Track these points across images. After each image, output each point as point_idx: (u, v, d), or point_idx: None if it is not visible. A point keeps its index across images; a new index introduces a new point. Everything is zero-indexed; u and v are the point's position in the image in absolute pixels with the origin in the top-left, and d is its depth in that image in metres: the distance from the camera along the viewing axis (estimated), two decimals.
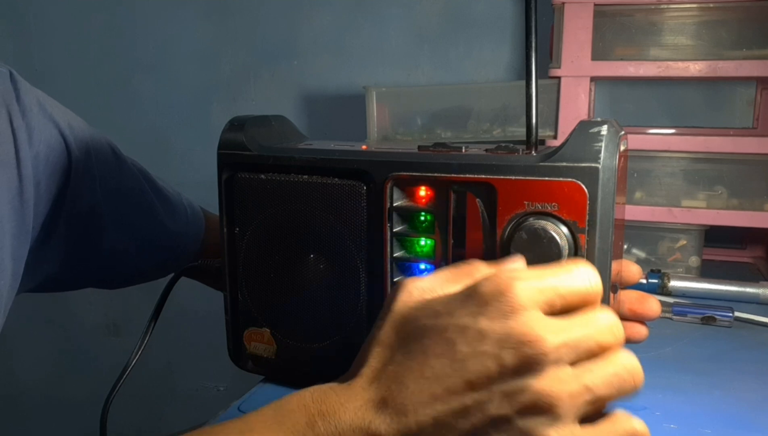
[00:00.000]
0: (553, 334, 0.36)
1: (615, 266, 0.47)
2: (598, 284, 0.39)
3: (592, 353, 0.37)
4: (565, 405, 0.35)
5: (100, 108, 1.53)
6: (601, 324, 0.38)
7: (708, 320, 0.75)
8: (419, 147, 0.51)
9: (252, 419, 0.40)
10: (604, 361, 0.38)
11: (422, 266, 0.51)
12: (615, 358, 0.38)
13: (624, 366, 0.37)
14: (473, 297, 0.38)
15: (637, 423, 0.37)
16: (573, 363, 0.37)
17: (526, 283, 0.37)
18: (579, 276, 0.39)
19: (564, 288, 0.38)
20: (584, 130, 0.45)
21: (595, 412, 0.37)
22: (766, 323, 0.76)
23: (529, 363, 0.36)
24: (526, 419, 0.36)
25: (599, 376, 0.37)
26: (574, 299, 0.38)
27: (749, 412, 0.55)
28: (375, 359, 0.40)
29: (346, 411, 0.38)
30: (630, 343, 0.55)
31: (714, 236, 1.00)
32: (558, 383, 0.36)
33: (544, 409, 0.35)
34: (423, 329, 0.39)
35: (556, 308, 0.38)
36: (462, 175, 0.47)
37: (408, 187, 0.50)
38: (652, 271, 0.87)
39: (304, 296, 0.55)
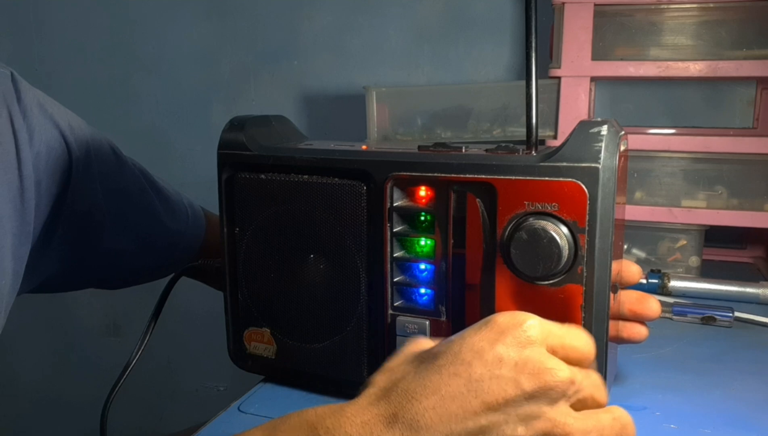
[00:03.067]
0: (566, 368, 0.38)
1: (615, 266, 0.47)
2: (593, 351, 0.41)
3: (587, 404, 0.40)
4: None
5: (100, 108, 1.53)
6: (594, 380, 0.40)
7: (708, 320, 0.75)
8: (419, 147, 0.51)
9: (250, 435, 0.39)
10: (603, 411, 0.40)
11: (422, 266, 0.51)
12: (612, 409, 0.40)
13: (621, 416, 0.40)
14: (489, 326, 0.40)
15: None
16: (575, 407, 0.39)
17: (539, 322, 0.39)
18: (581, 338, 0.41)
19: (568, 342, 0.40)
20: (584, 130, 0.45)
21: None
22: (766, 323, 0.76)
23: (546, 390, 0.37)
24: None
25: (604, 420, 0.39)
26: (572, 354, 0.40)
27: (749, 412, 0.55)
28: (384, 380, 0.40)
29: (353, 425, 0.37)
30: (630, 343, 0.55)
31: (714, 236, 1.00)
32: (570, 416, 0.38)
33: None
34: (437, 353, 0.40)
35: (557, 357, 0.40)
36: (462, 175, 0.47)
37: (408, 187, 0.50)
38: (652, 271, 0.87)
39: (304, 296, 0.55)
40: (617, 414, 0.40)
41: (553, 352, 0.39)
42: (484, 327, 0.40)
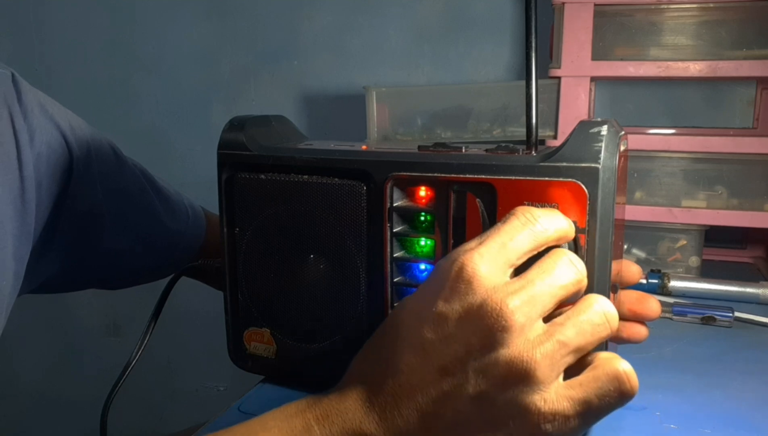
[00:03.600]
0: (512, 296, 0.35)
1: (615, 266, 0.47)
2: (548, 229, 0.39)
3: (559, 299, 0.37)
4: (541, 366, 0.35)
5: (100, 108, 1.53)
6: (559, 268, 0.37)
7: (708, 320, 0.75)
8: (419, 147, 0.51)
9: (252, 424, 0.41)
10: (573, 310, 0.37)
11: (422, 266, 0.51)
12: (585, 305, 0.37)
13: (596, 311, 0.37)
14: (432, 282, 0.38)
15: (622, 364, 0.36)
16: (545, 316, 0.36)
17: (476, 254, 0.37)
18: (521, 223, 0.38)
19: (512, 241, 0.37)
20: (584, 130, 0.45)
21: (577, 362, 0.37)
22: (766, 323, 0.76)
23: (494, 334, 0.35)
24: (506, 391, 0.35)
25: (570, 327, 0.36)
26: (525, 245, 0.38)
27: (749, 412, 0.55)
28: (360, 362, 0.41)
29: (338, 414, 0.39)
30: (630, 343, 0.55)
31: (714, 236, 1.00)
32: (529, 346, 0.35)
33: (521, 376, 0.35)
34: (398, 324, 0.40)
35: (517, 262, 0.37)
36: (462, 175, 0.47)
37: (408, 187, 0.50)
38: (652, 271, 0.87)
39: (304, 296, 0.55)
40: (587, 316, 0.36)
41: (509, 263, 0.37)
42: (428, 286, 0.38)
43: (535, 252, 0.39)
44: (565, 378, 0.36)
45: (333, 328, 0.54)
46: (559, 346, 0.35)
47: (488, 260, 0.37)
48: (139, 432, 1.66)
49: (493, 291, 0.36)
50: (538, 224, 0.39)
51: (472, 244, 0.38)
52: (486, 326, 0.35)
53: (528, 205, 0.45)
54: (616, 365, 0.36)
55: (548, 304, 0.36)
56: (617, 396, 0.35)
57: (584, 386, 0.35)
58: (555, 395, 0.35)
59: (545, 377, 0.35)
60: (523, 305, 0.35)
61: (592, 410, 0.35)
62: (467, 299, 0.36)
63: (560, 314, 0.37)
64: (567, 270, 0.38)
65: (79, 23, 1.53)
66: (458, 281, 0.36)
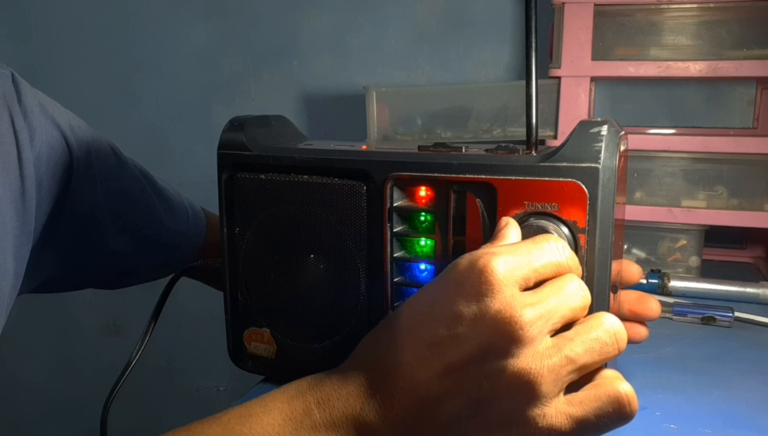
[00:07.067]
0: (528, 308, 0.35)
1: (615, 266, 0.47)
2: (569, 256, 0.39)
3: (566, 319, 0.37)
4: (546, 381, 0.35)
5: (100, 108, 1.53)
6: (570, 290, 0.38)
7: (708, 320, 0.75)
8: (419, 147, 0.51)
9: (253, 405, 0.41)
10: (584, 326, 0.37)
11: (422, 266, 0.51)
12: (596, 322, 0.37)
13: (606, 330, 0.37)
14: (450, 278, 0.38)
15: (623, 386, 0.36)
16: (551, 333, 0.36)
17: (502, 259, 0.37)
18: (551, 250, 0.39)
19: (538, 263, 0.38)
20: (584, 130, 0.45)
21: (580, 379, 0.37)
22: (766, 323, 0.76)
23: (506, 342, 0.35)
24: (507, 399, 0.35)
25: (579, 344, 0.36)
26: (547, 272, 0.38)
27: (749, 412, 0.55)
28: (367, 348, 0.41)
29: (339, 398, 0.39)
30: (630, 343, 0.55)
31: (714, 236, 1.00)
32: (537, 358, 0.35)
33: (525, 387, 0.35)
34: (408, 316, 0.39)
35: (531, 283, 0.38)
36: (462, 175, 0.47)
37: (408, 187, 0.50)
38: (652, 271, 0.87)
39: (304, 296, 0.55)
40: (596, 334, 0.37)
41: (527, 281, 0.37)
42: (446, 280, 0.38)
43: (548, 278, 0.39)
44: (566, 391, 0.36)
45: (333, 328, 0.54)
46: (566, 361, 0.36)
47: (512, 269, 0.37)
48: (139, 432, 1.66)
49: (512, 299, 0.36)
50: (564, 259, 0.39)
51: (498, 249, 0.38)
52: (500, 333, 0.35)
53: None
54: (617, 386, 0.36)
55: (557, 323, 0.37)
56: (616, 418, 0.36)
57: (584, 404, 0.36)
58: (554, 410, 0.35)
59: (548, 392, 0.35)
60: (537, 319, 0.36)
61: (588, 429, 0.36)
62: (485, 302, 0.36)
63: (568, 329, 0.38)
64: (577, 294, 0.38)
65: (79, 23, 1.53)
66: (480, 281, 0.36)
